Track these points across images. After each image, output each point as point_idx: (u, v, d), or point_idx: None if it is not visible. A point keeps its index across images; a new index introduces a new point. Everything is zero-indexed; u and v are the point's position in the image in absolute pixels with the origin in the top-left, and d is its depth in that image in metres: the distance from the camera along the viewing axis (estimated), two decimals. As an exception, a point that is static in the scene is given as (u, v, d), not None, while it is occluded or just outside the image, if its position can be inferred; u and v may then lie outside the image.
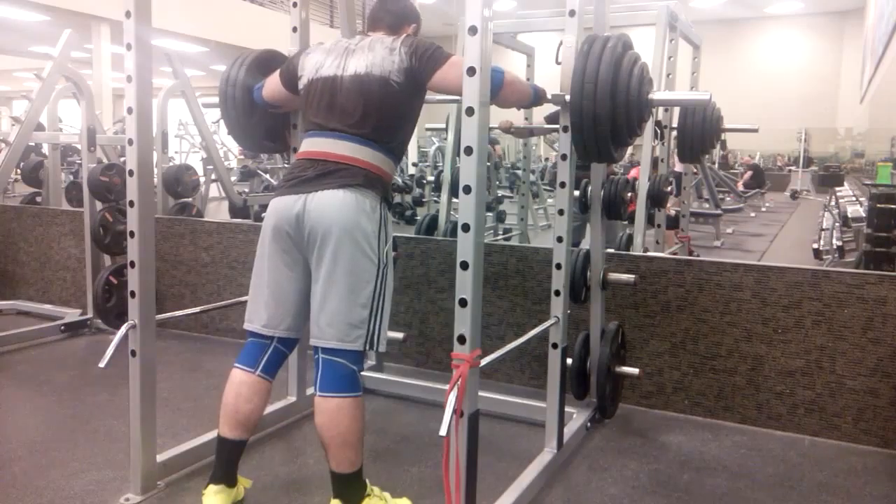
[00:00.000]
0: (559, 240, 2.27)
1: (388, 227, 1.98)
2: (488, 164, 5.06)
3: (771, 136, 16.78)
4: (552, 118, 4.02)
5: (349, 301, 1.86)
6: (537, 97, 2.15)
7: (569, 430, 2.48)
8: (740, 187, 12.23)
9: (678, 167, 5.09)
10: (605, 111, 1.99)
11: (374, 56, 1.94)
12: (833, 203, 7.76)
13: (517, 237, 5.95)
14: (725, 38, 19.37)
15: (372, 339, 1.90)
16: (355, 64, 1.96)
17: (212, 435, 2.36)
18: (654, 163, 3.98)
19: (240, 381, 2.01)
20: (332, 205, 1.86)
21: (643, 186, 3.81)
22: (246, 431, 2.02)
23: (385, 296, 1.94)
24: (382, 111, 1.94)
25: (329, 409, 1.86)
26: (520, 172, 5.90)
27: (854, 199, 6.93)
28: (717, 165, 13.46)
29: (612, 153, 2.13)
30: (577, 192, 2.42)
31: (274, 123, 2.44)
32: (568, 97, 2.07)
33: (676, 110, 4.16)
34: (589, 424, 2.65)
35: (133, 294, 2.01)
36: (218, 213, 8.87)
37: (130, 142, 1.96)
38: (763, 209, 12.20)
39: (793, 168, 17.67)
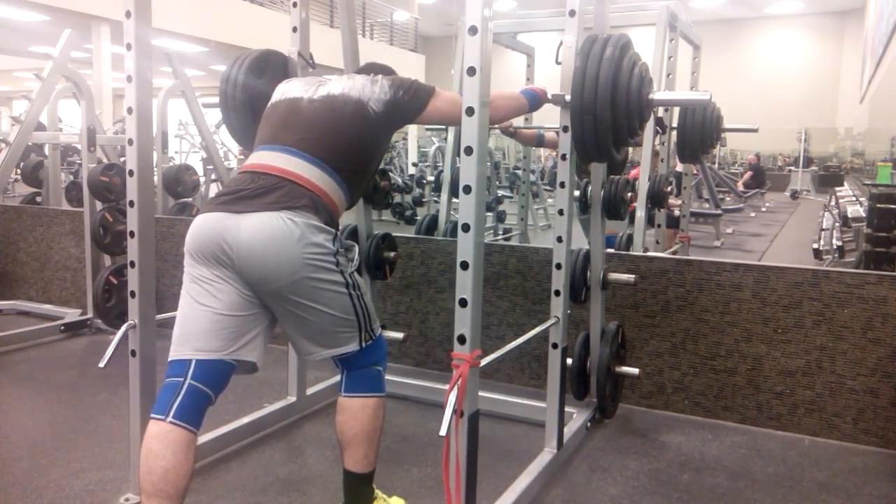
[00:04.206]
0: (559, 240, 2.27)
1: (347, 254, 1.78)
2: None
3: (771, 136, 16.79)
4: None
5: (330, 325, 1.76)
6: (535, 102, 2.10)
7: (569, 430, 2.48)
8: (740, 187, 12.24)
9: (679, 167, 5.08)
10: (605, 111, 1.99)
11: (354, 83, 1.87)
12: (833, 203, 7.76)
13: (517, 237, 5.95)
14: (725, 38, 19.37)
15: (365, 332, 1.83)
16: (329, 88, 1.87)
17: (212, 435, 2.37)
18: (656, 154, 3.98)
19: (149, 434, 1.65)
20: (268, 238, 1.64)
21: (643, 186, 3.81)
22: (168, 499, 1.61)
23: (362, 295, 1.81)
24: (347, 133, 1.82)
25: (352, 408, 1.82)
26: (520, 172, 5.90)
27: (854, 199, 6.93)
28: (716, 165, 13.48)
29: (613, 153, 2.13)
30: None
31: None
32: (568, 97, 2.07)
33: (676, 110, 4.16)
34: (589, 424, 2.65)
35: (133, 294, 2.01)
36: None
37: (130, 142, 1.96)
38: (763, 209, 12.21)
39: (793, 168, 17.68)
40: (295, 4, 2.57)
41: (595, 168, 2.51)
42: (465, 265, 1.63)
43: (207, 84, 14.05)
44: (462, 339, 1.65)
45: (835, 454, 2.54)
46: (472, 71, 1.59)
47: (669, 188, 4.02)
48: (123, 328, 2.00)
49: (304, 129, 1.82)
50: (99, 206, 3.80)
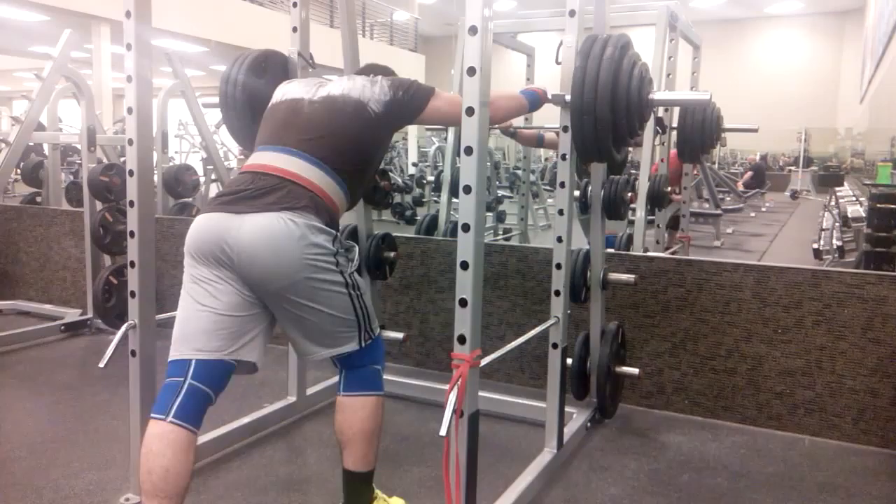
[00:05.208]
0: (559, 240, 2.27)
1: (347, 254, 1.79)
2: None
3: (771, 136, 16.79)
4: None
5: (330, 325, 1.77)
6: (535, 102, 2.10)
7: (569, 430, 2.48)
8: (740, 187, 12.23)
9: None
10: (605, 111, 1.99)
11: (354, 84, 1.88)
12: (833, 203, 7.75)
13: (517, 237, 5.95)
14: (725, 38, 19.38)
15: (365, 332, 1.83)
16: (329, 89, 1.88)
17: (212, 435, 2.37)
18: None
19: (149, 434, 1.65)
20: (269, 239, 1.64)
21: (643, 186, 3.81)
22: (168, 499, 1.61)
23: (362, 295, 1.81)
24: (347, 134, 1.82)
25: (352, 407, 1.82)
26: (520, 172, 5.90)
27: (854, 198, 6.93)
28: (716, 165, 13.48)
29: (613, 153, 2.13)
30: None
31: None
32: (568, 97, 2.07)
33: (676, 110, 4.16)
34: (589, 424, 2.65)
35: (133, 294, 2.01)
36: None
37: (130, 142, 1.96)
38: (763, 209, 12.20)
39: (793, 168, 17.69)
40: (295, 4, 2.57)
41: (595, 168, 2.51)
42: (465, 265, 1.63)
43: (207, 84, 14.05)
44: (462, 339, 1.65)
45: (835, 454, 2.54)
46: (472, 71, 1.59)
47: (669, 188, 4.03)
48: (123, 328, 2.00)
49: (304, 130, 1.82)
50: (99, 206, 3.80)
